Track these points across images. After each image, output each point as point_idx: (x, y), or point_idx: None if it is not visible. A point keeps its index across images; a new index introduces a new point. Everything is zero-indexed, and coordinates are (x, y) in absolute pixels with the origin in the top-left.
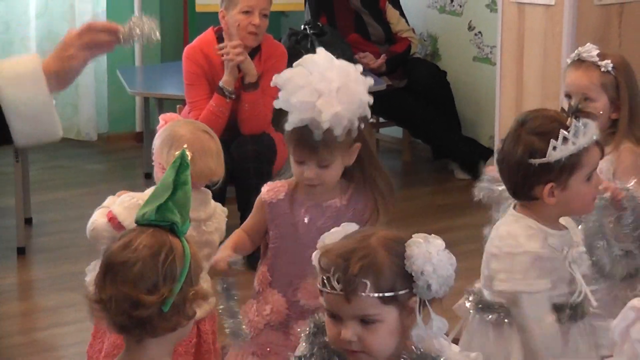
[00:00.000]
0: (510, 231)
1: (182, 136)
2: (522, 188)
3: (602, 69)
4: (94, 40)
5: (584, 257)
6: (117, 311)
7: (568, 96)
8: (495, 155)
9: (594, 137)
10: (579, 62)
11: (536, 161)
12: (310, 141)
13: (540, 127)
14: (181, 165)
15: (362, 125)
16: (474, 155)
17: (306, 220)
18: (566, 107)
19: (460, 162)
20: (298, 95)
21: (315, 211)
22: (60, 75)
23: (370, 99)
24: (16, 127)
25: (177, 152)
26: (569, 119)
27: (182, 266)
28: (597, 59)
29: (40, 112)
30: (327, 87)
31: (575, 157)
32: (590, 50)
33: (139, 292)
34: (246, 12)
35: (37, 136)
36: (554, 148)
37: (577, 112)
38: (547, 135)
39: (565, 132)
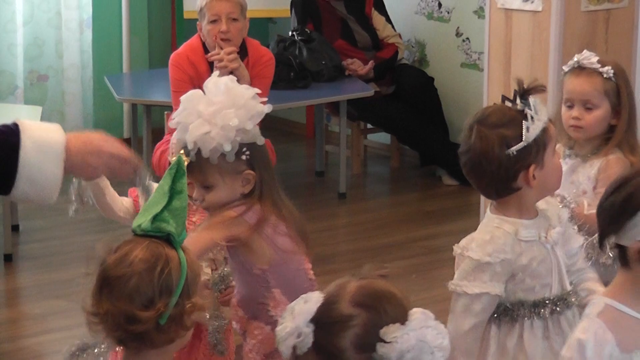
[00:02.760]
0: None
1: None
2: (506, 182)
3: (604, 75)
4: (119, 170)
5: (569, 235)
6: (113, 326)
7: (569, 103)
8: (465, 167)
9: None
10: (579, 69)
11: (514, 148)
12: (190, 161)
13: (501, 118)
14: (177, 172)
15: (250, 153)
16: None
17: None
18: (565, 117)
19: (448, 168)
20: (180, 115)
21: None
22: (75, 167)
23: (255, 129)
24: (21, 186)
25: (173, 159)
26: (518, 98)
27: (178, 278)
28: (597, 65)
29: (50, 183)
30: (205, 109)
31: (543, 131)
32: (590, 57)
33: (134, 307)
34: (214, 22)
35: (34, 198)
36: (527, 129)
37: (527, 92)
38: (512, 122)
39: (531, 112)
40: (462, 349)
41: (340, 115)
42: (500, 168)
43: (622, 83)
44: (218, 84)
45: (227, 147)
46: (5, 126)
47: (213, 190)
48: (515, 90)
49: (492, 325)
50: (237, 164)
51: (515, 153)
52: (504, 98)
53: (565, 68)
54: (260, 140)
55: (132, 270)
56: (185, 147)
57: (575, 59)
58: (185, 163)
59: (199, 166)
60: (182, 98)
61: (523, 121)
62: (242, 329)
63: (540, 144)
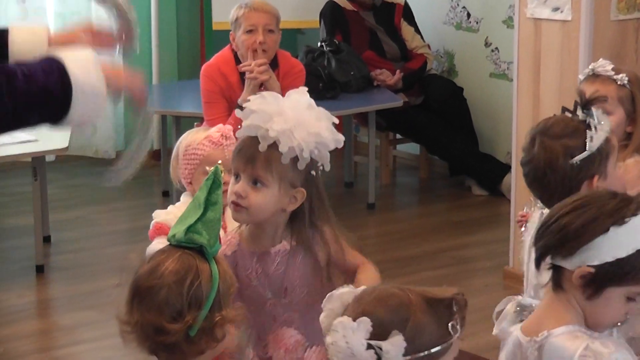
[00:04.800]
0: None
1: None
2: (570, 193)
3: (619, 83)
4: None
5: None
6: (143, 336)
7: (601, 103)
8: (527, 178)
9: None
10: (594, 76)
11: (578, 158)
12: (252, 150)
13: (565, 128)
14: (214, 183)
15: (313, 172)
16: (491, 172)
17: (259, 270)
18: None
19: (478, 178)
20: (260, 104)
21: (264, 259)
22: None
23: (335, 145)
24: (77, 104)
25: (210, 169)
26: (579, 109)
27: (208, 291)
28: (612, 73)
29: (99, 90)
30: (291, 111)
31: (606, 141)
32: (605, 65)
33: (163, 319)
34: (250, 31)
35: (88, 115)
36: (591, 139)
37: (589, 103)
38: (575, 132)
39: (594, 121)
40: None
41: (369, 126)
42: (564, 178)
43: (637, 90)
44: (302, 96)
45: (306, 153)
46: (46, 57)
47: (262, 192)
48: (576, 101)
49: None
50: (298, 177)
51: (579, 163)
52: (564, 109)
53: (581, 76)
54: (327, 167)
55: (162, 282)
56: (253, 138)
57: (591, 67)
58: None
59: (265, 159)
60: (266, 95)
61: (587, 131)
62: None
63: (604, 154)
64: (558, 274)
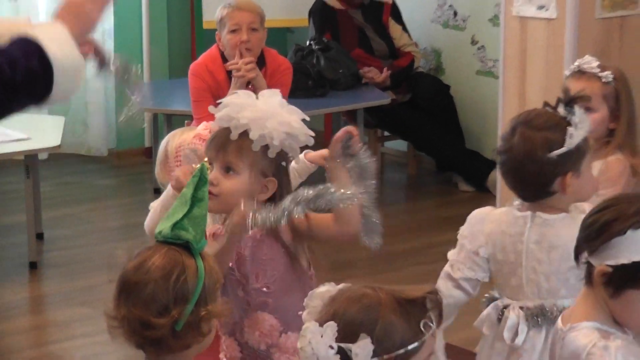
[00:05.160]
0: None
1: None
2: (541, 186)
3: (603, 80)
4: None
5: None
6: (130, 331)
7: (583, 102)
8: (503, 167)
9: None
10: (580, 73)
11: (556, 152)
12: (224, 139)
13: (547, 121)
14: (200, 180)
15: (283, 163)
16: (477, 168)
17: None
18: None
19: (465, 174)
20: (233, 99)
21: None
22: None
23: (305, 140)
24: (59, 81)
25: (196, 166)
26: (561, 105)
27: (195, 286)
28: (597, 70)
29: (78, 63)
30: (263, 105)
31: (584, 140)
32: (591, 62)
33: (149, 314)
34: (234, 31)
35: (71, 89)
36: (571, 135)
37: (573, 100)
38: (557, 126)
39: (575, 119)
40: None
41: (358, 123)
42: (540, 171)
43: (621, 88)
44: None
45: (276, 142)
46: (21, 38)
47: (233, 178)
48: (559, 98)
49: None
50: (269, 166)
51: (556, 157)
52: (546, 104)
53: (567, 72)
54: (298, 159)
55: (149, 277)
56: (226, 129)
57: (577, 63)
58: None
59: (237, 147)
60: (240, 92)
61: (567, 127)
62: (272, 342)
63: (581, 152)
64: (589, 269)
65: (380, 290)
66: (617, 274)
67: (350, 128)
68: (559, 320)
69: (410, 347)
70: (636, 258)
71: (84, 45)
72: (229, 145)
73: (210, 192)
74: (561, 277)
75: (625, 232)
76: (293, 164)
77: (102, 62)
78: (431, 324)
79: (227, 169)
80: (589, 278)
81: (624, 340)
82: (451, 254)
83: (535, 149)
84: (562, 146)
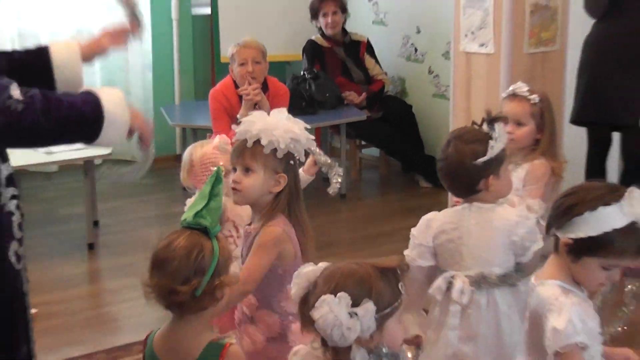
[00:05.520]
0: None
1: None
2: (470, 186)
3: (531, 101)
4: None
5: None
6: (159, 296)
7: (504, 120)
8: (441, 171)
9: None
10: (513, 95)
11: (480, 160)
12: (242, 147)
13: (475, 137)
14: (216, 180)
15: (291, 162)
16: (433, 169)
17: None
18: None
19: (424, 174)
20: (248, 118)
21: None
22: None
23: (307, 143)
24: (106, 131)
25: (213, 169)
26: (486, 124)
27: (210, 262)
28: (527, 93)
29: (124, 123)
30: (271, 119)
31: (502, 150)
32: (522, 87)
33: (175, 283)
34: (242, 64)
35: (114, 140)
36: (492, 147)
37: (494, 119)
38: (481, 140)
39: (495, 134)
40: None
41: (341, 135)
42: (469, 174)
43: (545, 107)
44: (282, 113)
45: (282, 145)
46: (87, 91)
47: (252, 176)
48: (483, 118)
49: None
50: (279, 165)
51: (481, 164)
52: (474, 123)
53: (503, 95)
54: (302, 159)
55: (175, 255)
56: (243, 140)
57: (511, 88)
58: (222, 168)
59: (252, 152)
60: (255, 112)
61: (489, 141)
62: (251, 314)
63: (500, 159)
64: (556, 240)
65: (363, 265)
66: (577, 245)
67: None
68: (533, 277)
69: (395, 304)
70: (591, 233)
71: (136, 119)
72: (246, 151)
73: (234, 189)
74: (494, 250)
75: (583, 214)
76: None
77: (145, 140)
78: (403, 287)
79: (246, 170)
80: (556, 247)
81: (578, 298)
82: (406, 251)
83: (464, 158)
84: (485, 155)
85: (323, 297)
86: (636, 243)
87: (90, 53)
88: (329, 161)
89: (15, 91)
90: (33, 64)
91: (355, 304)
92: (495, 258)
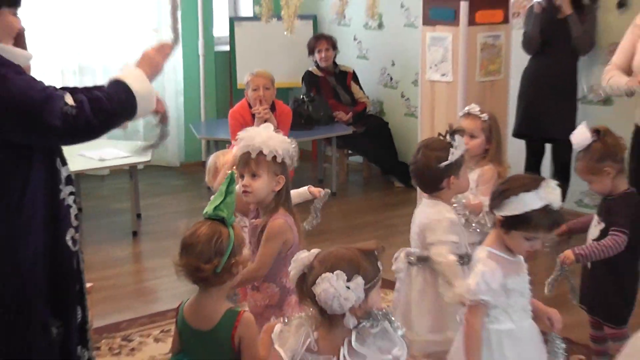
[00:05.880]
0: (434, 210)
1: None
2: (434, 184)
3: (482, 119)
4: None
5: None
6: (188, 273)
7: (461, 133)
8: (412, 173)
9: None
10: (468, 114)
11: (443, 164)
12: (247, 158)
13: (439, 146)
14: (230, 181)
15: (286, 164)
16: (405, 173)
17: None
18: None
19: (398, 176)
20: (245, 134)
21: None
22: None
23: (291, 153)
24: (139, 107)
25: (228, 172)
26: (448, 135)
27: (227, 245)
28: (478, 113)
29: (151, 93)
30: (264, 134)
31: (461, 157)
32: (475, 108)
33: (200, 263)
34: (255, 90)
35: (146, 111)
36: (452, 154)
37: (454, 132)
38: (444, 148)
39: (455, 143)
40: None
41: (332, 145)
42: (434, 175)
43: (493, 124)
44: (269, 128)
45: (280, 152)
46: (114, 80)
47: (259, 180)
48: (446, 130)
49: (414, 267)
50: (278, 169)
51: (444, 167)
52: (439, 134)
53: (460, 114)
54: (296, 164)
55: (199, 240)
56: (247, 152)
57: (466, 109)
58: (236, 173)
59: (256, 161)
60: (248, 129)
61: (450, 149)
62: (257, 284)
63: (459, 163)
64: (495, 217)
65: (350, 249)
66: (506, 221)
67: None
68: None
69: (376, 278)
70: (515, 212)
71: (158, 103)
72: (251, 161)
73: (245, 192)
74: (413, 236)
75: (510, 197)
76: (300, 191)
77: (164, 119)
78: (380, 266)
79: (253, 175)
80: (494, 223)
81: (497, 263)
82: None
83: (431, 162)
84: (447, 160)
85: (323, 275)
86: (549, 221)
87: (151, 74)
88: (318, 213)
89: (69, 99)
90: None
91: (348, 279)
92: (413, 242)
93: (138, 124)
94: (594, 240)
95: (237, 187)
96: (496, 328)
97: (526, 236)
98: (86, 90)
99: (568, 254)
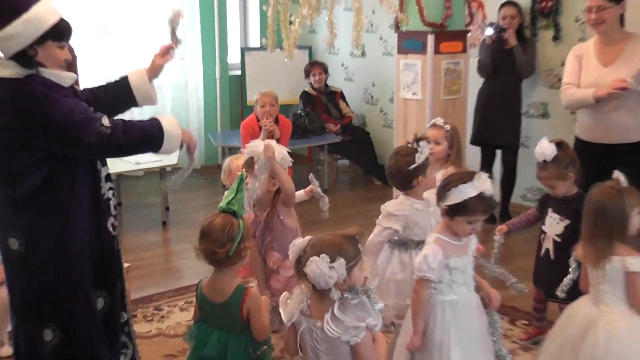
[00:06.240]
0: (396, 202)
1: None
2: (406, 183)
3: (445, 129)
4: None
5: (438, 211)
6: (205, 256)
7: (428, 141)
8: (388, 175)
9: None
10: (434, 125)
11: (411, 167)
12: (251, 162)
13: (407, 152)
14: (241, 180)
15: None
16: (383, 173)
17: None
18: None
19: (377, 176)
20: (251, 145)
21: (260, 222)
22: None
23: (286, 160)
24: (166, 144)
25: (238, 173)
26: (414, 142)
27: (237, 233)
28: (442, 124)
29: (177, 139)
30: (267, 144)
31: (426, 159)
32: (440, 120)
33: (215, 247)
34: (262, 106)
35: (171, 150)
36: (418, 158)
37: (420, 139)
38: (412, 154)
39: (420, 149)
40: (370, 251)
41: (324, 151)
42: (405, 176)
43: (454, 133)
44: (272, 140)
45: (279, 157)
46: (154, 118)
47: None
48: (413, 139)
49: (395, 249)
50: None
51: (412, 169)
52: (408, 142)
53: (428, 125)
54: (289, 166)
55: (214, 229)
56: (254, 156)
57: (433, 121)
58: (246, 177)
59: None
60: (256, 140)
61: (416, 154)
62: (265, 248)
63: (425, 165)
64: (441, 207)
65: (335, 235)
66: (450, 209)
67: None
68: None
69: (357, 258)
70: (456, 201)
71: (186, 135)
72: (253, 163)
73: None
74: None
75: (451, 189)
76: (297, 194)
77: (190, 149)
78: (361, 245)
79: (254, 177)
80: (441, 213)
81: (441, 246)
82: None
83: (401, 166)
84: (414, 163)
85: (311, 258)
86: (484, 206)
87: (153, 72)
88: (322, 194)
89: (105, 120)
90: (120, 90)
91: (332, 261)
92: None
93: None
94: (557, 235)
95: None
96: (441, 299)
97: (467, 220)
98: (129, 120)
99: (501, 229)
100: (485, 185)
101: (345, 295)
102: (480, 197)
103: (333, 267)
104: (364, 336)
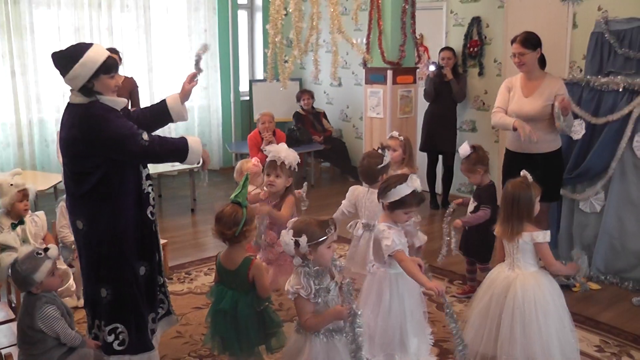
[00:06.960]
0: (364, 191)
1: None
2: (374, 179)
3: (400, 140)
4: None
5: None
6: (218, 235)
7: (388, 148)
8: (360, 173)
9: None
10: (392, 137)
11: (379, 167)
12: (274, 164)
13: (375, 155)
14: (245, 179)
15: (295, 170)
16: (356, 173)
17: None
18: (386, 154)
19: (351, 175)
20: (272, 149)
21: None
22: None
23: (296, 164)
24: (189, 157)
25: (245, 173)
26: (380, 149)
27: (242, 218)
28: (398, 136)
29: (198, 153)
30: (284, 150)
31: (388, 162)
32: (396, 133)
33: (225, 229)
34: (263, 123)
35: (193, 162)
36: (383, 160)
37: (385, 147)
38: (379, 157)
39: (385, 153)
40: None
41: (311, 156)
42: (373, 174)
43: (407, 143)
44: (288, 150)
45: (294, 163)
46: (182, 137)
47: (280, 179)
48: (379, 146)
49: (365, 231)
50: (289, 172)
51: (379, 169)
52: (375, 149)
53: (388, 137)
54: (296, 169)
55: (225, 215)
56: (276, 159)
57: (391, 134)
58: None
59: (281, 167)
60: (272, 146)
61: (383, 157)
62: (270, 244)
63: (387, 166)
64: (382, 204)
65: (310, 218)
66: (390, 205)
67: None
68: (377, 222)
69: (323, 238)
70: (395, 198)
71: (204, 153)
72: (277, 166)
73: (271, 184)
74: (373, 210)
75: (390, 189)
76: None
77: (204, 164)
78: (332, 230)
79: (277, 176)
80: (383, 207)
81: (395, 229)
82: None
83: (371, 165)
84: (382, 164)
85: (283, 232)
86: (417, 200)
87: (183, 95)
88: (305, 198)
89: (145, 135)
90: (160, 110)
91: (299, 235)
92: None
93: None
94: (471, 212)
95: (266, 180)
96: (393, 272)
97: (405, 212)
98: (164, 136)
99: (457, 222)
100: (416, 183)
101: (303, 264)
102: (414, 193)
103: (297, 241)
104: (295, 297)
